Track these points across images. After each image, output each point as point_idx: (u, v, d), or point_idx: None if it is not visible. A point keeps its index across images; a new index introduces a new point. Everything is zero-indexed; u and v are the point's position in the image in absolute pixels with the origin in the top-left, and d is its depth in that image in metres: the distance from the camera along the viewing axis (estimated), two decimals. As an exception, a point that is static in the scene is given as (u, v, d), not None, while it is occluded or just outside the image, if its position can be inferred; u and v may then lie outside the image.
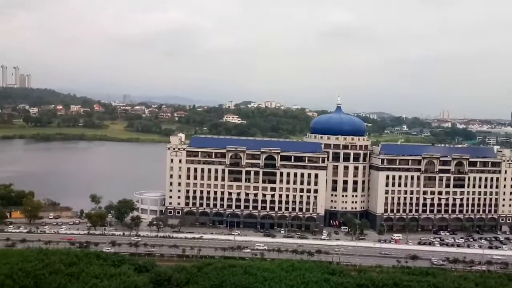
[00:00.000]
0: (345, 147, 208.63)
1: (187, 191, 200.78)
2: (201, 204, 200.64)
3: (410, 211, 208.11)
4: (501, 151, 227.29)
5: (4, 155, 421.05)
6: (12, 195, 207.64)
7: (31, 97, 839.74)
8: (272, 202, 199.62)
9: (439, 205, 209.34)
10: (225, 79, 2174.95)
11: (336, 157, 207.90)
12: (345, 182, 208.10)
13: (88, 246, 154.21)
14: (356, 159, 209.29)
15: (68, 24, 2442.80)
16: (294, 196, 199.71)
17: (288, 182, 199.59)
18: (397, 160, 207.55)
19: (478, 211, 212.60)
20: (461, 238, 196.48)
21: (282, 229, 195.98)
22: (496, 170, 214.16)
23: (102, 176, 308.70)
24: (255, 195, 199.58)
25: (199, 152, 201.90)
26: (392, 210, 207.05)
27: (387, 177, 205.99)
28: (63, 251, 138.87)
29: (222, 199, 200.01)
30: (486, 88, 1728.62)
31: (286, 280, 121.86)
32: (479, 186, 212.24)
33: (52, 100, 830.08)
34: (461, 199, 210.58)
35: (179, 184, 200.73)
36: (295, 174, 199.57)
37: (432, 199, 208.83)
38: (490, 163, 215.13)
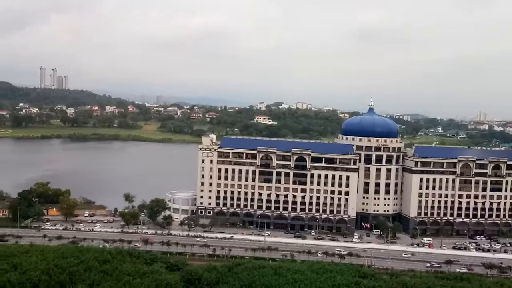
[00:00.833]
0: (378, 149, 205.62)
1: (218, 192, 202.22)
2: (231, 205, 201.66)
3: (445, 215, 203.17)
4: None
5: (42, 155, 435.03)
6: (49, 193, 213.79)
7: (68, 98, 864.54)
8: (303, 203, 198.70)
9: (475, 209, 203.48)
10: (257, 80, 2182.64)
11: (368, 159, 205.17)
12: (377, 185, 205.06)
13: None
14: (388, 161, 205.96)
15: (104, 27, 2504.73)
16: (325, 198, 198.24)
17: (319, 184, 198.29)
18: (432, 163, 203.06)
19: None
20: (498, 243, 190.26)
21: (313, 231, 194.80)
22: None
23: (135, 175, 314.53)
24: (286, 196, 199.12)
25: (230, 153, 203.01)
26: (426, 214, 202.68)
27: (421, 180, 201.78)
28: (98, 248, 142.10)
29: (252, 199, 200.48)
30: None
31: (317, 282, 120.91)
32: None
33: (88, 101, 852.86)
34: (498, 203, 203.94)
35: (210, 184, 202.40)
36: (326, 176, 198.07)
37: (468, 203, 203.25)
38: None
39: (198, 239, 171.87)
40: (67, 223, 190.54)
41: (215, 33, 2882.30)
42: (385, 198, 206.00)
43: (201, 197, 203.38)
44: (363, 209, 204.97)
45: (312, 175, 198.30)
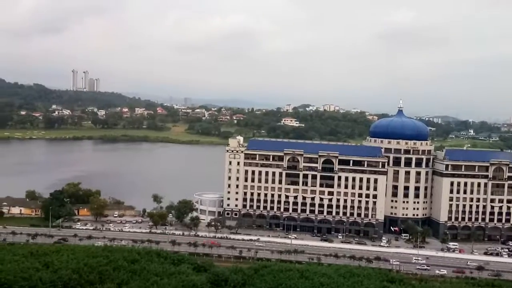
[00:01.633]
0: (407, 151, 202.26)
1: (245, 193, 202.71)
2: (258, 207, 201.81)
3: (476, 219, 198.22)
4: None
5: (74, 155, 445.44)
6: (80, 194, 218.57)
7: (99, 100, 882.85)
8: (330, 206, 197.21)
9: (508, 214, 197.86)
10: (284, 82, 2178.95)
11: (397, 162, 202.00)
12: (406, 188, 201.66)
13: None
14: (418, 164, 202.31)
15: (135, 30, 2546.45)
16: (352, 201, 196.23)
17: (346, 187, 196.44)
18: (463, 166, 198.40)
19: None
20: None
21: (340, 234, 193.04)
22: None
23: (163, 176, 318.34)
24: (312, 199, 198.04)
25: (257, 155, 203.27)
26: (456, 218, 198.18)
27: (452, 183, 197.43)
28: (126, 248, 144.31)
29: (279, 202, 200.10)
30: None
31: (344, 286, 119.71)
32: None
33: (118, 103, 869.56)
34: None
35: (237, 186, 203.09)
36: (354, 179, 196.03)
37: (500, 207, 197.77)
38: None
39: (224, 240, 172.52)
40: (97, 223, 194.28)
41: (243, 35, 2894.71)
42: (414, 202, 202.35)
43: (228, 198, 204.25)
44: (391, 213, 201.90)
45: (339, 178, 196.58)
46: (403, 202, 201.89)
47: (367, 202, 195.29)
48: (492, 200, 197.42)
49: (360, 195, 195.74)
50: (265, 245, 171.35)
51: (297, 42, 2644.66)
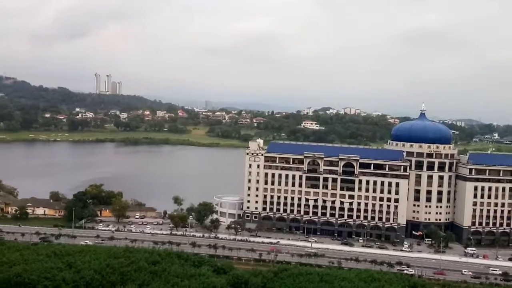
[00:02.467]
0: (429, 155, 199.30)
1: (265, 196, 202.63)
2: (278, 210, 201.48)
3: (501, 224, 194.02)
4: None
5: (97, 158, 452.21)
6: (102, 195, 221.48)
7: (121, 103, 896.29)
8: (350, 210, 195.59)
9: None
10: (305, 85, 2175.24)
11: (419, 166, 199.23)
12: (429, 192, 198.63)
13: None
14: (441, 168, 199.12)
15: (155, 34, 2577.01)
16: (373, 205, 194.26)
17: (367, 190, 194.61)
18: (487, 171, 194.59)
19: None
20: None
21: (361, 238, 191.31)
22: None
23: (184, 179, 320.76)
24: (333, 202, 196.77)
25: (277, 158, 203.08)
26: (480, 223, 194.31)
27: (476, 188, 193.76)
28: (147, 249, 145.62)
29: (299, 205, 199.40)
30: None
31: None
32: None
33: (140, 106, 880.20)
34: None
35: (257, 189, 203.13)
36: (375, 182, 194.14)
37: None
38: None
39: (244, 243, 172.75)
40: (119, 224, 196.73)
41: (263, 38, 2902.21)
42: (437, 206, 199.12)
43: (248, 201, 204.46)
44: (413, 217, 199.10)
45: (360, 181, 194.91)
46: (426, 206, 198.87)
47: (388, 206, 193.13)
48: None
49: (381, 199, 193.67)
50: (285, 248, 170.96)
51: (320, 45, 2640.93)
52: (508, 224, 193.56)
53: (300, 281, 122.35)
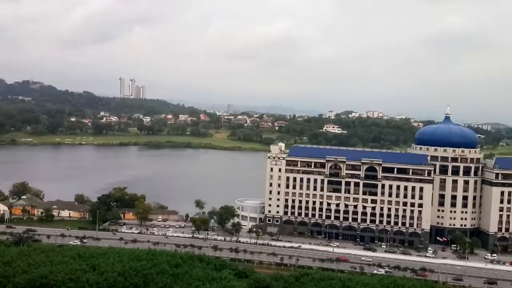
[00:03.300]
0: (454, 159, 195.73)
1: (286, 200, 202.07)
2: (299, 214, 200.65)
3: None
4: None
5: (121, 161, 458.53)
6: (126, 198, 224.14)
7: (144, 107, 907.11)
8: (373, 215, 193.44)
9: None
10: (326, 88, 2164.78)
11: (443, 170, 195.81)
12: (454, 197, 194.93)
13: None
14: (466, 172, 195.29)
15: (178, 39, 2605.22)
16: (396, 210, 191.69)
17: (390, 195, 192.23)
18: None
19: None
20: None
21: (383, 244, 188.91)
22: None
23: (206, 182, 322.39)
24: (355, 206, 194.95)
25: (299, 162, 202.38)
26: (507, 229, 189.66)
27: (502, 193, 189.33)
28: (170, 252, 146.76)
29: (321, 209, 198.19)
30: None
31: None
32: None
33: (163, 110, 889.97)
34: None
35: (278, 192, 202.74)
36: (398, 187, 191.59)
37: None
38: None
39: (265, 247, 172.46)
40: (142, 227, 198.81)
41: (284, 41, 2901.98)
42: (462, 212, 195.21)
43: (269, 205, 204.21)
44: (438, 223, 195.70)
45: (383, 186, 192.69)
46: (450, 211, 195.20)
47: (412, 211, 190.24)
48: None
49: (404, 204, 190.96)
50: (307, 252, 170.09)
51: (341, 49, 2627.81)
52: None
53: (321, 286, 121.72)
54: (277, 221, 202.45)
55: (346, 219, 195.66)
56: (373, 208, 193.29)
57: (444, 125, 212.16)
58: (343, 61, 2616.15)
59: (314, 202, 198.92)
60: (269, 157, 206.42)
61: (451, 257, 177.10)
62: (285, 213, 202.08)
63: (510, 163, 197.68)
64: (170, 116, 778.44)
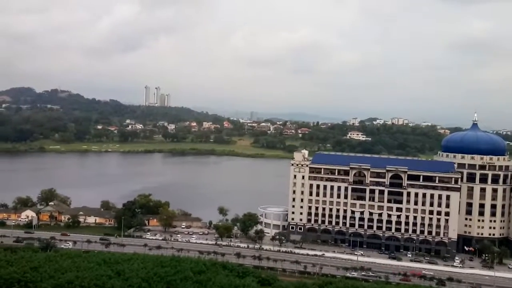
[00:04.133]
0: (482, 167, 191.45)
1: (309, 208, 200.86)
2: (323, 221, 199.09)
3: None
4: None
5: (145, 168, 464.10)
6: (150, 205, 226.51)
7: (169, 115, 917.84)
8: (398, 223, 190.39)
9: None
10: (351, 95, 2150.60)
11: (471, 178, 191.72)
12: (482, 206, 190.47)
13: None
14: (495, 180, 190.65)
15: (202, 47, 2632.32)
16: (422, 218, 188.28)
17: (416, 203, 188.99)
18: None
19: None
20: None
21: (409, 253, 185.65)
22: None
23: (229, 189, 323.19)
24: (380, 215, 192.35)
25: (322, 169, 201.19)
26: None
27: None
28: (193, 259, 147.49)
29: (344, 217, 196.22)
30: None
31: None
32: None
33: (187, 117, 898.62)
34: None
35: (302, 200, 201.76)
36: (424, 195, 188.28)
37: None
38: None
39: (289, 255, 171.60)
40: (166, 233, 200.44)
41: (311, 49, 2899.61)
42: (490, 221, 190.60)
43: (293, 212, 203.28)
44: (465, 232, 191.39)
45: (408, 194, 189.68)
46: (478, 220, 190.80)
47: (438, 220, 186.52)
48: None
49: (431, 212, 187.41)
50: (330, 260, 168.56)
51: (366, 55, 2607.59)
52: None
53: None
54: (300, 228, 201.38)
55: (370, 227, 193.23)
56: (398, 216, 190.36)
57: (472, 132, 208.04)
58: (367, 67, 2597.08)
59: (338, 210, 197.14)
60: (292, 165, 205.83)
61: (479, 267, 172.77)
62: (309, 220, 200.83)
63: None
64: (194, 124, 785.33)
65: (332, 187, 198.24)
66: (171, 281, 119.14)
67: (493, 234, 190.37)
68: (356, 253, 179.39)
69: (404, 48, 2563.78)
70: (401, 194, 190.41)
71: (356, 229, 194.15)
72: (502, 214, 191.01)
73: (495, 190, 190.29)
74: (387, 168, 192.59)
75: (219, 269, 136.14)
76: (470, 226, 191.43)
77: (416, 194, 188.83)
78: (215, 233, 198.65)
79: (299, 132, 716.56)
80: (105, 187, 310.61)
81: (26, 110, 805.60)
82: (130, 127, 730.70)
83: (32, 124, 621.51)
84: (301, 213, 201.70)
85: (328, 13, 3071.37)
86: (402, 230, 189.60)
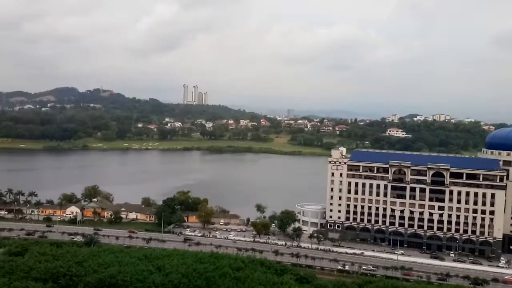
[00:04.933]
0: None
1: (348, 206, 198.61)
2: (362, 220, 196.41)
3: None
4: None
5: (184, 165, 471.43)
6: (189, 201, 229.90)
7: (207, 113, 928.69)
8: (440, 222, 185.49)
9: None
10: (390, 91, 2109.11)
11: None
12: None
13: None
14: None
15: (239, 45, 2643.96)
16: (465, 217, 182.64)
17: (459, 202, 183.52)
18: None
19: None
20: None
21: (452, 252, 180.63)
22: None
23: (266, 186, 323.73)
24: (421, 213, 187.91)
25: (360, 166, 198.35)
26: None
27: None
28: (232, 256, 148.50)
29: (384, 215, 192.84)
30: None
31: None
32: None
33: (224, 115, 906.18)
34: None
35: (340, 198, 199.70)
36: (467, 193, 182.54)
37: None
38: None
39: (327, 253, 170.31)
40: (205, 230, 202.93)
41: (346, 45, 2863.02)
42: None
43: (331, 210, 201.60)
44: (511, 231, 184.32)
45: (451, 192, 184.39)
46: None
47: (482, 219, 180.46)
48: None
49: (475, 211, 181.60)
50: (370, 259, 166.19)
51: (405, 50, 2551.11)
52: None
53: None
54: (338, 226, 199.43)
55: (411, 226, 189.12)
56: (441, 215, 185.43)
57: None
58: (406, 63, 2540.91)
59: (377, 208, 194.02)
60: (330, 162, 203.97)
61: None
62: (347, 218, 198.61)
63: None
64: (231, 121, 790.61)
65: (371, 185, 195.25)
66: (210, 277, 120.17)
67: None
68: (396, 252, 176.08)
69: (445, 42, 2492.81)
70: (443, 192, 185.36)
71: (396, 228, 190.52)
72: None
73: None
74: (429, 166, 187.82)
75: (257, 266, 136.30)
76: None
77: (459, 193, 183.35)
78: (252, 230, 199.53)
79: (337, 129, 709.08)
80: (145, 184, 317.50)
81: (70, 109, 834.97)
82: (169, 125, 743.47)
83: (75, 123, 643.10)
84: (339, 211, 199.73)
85: (365, 8, 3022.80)
86: (445, 229, 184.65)
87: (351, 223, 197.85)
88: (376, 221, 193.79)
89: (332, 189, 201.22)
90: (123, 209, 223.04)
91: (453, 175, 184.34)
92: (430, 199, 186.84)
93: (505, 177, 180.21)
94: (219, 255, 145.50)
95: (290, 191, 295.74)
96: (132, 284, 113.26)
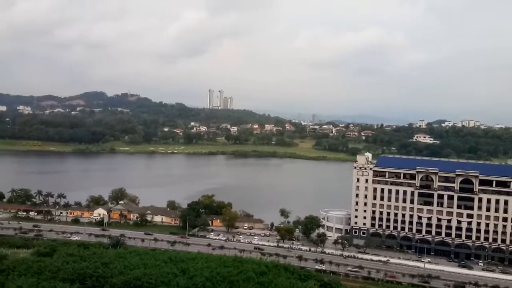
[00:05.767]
0: None
1: (373, 212, 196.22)
2: (387, 226, 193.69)
3: None
4: None
5: (209, 169, 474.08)
6: (213, 205, 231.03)
7: (232, 117, 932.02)
8: (469, 230, 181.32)
9: None
10: (417, 96, 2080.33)
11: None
12: None
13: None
14: None
15: (264, 50, 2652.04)
16: (495, 226, 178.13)
17: (488, 210, 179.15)
18: None
19: None
20: None
21: (481, 261, 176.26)
22: None
23: (291, 191, 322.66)
24: (449, 221, 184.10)
25: (387, 172, 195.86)
26: None
27: None
28: (255, 260, 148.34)
29: (410, 222, 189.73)
30: None
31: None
32: None
33: (249, 120, 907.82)
34: None
35: (365, 204, 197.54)
36: (497, 201, 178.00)
37: None
38: None
39: (352, 259, 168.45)
40: (229, 234, 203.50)
41: (372, 49, 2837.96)
42: None
43: (356, 216, 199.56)
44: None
45: (480, 200, 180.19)
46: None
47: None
48: None
49: (505, 219, 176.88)
50: (396, 267, 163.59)
51: (433, 54, 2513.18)
52: None
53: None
54: (363, 233, 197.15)
55: (438, 233, 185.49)
56: (469, 223, 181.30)
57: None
58: (434, 67, 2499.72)
59: (403, 215, 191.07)
60: (355, 168, 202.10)
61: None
62: (372, 225, 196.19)
63: None
64: (256, 126, 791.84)
65: (397, 191, 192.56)
66: (233, 281, 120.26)
67: None
68: (423, 260, 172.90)
69: (473, 46, 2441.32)
70: (472, 199, 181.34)
71: (423, 235, 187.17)
72: None
73: None
74: (457, 173, 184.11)
75: (281, 271, 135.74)
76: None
77: (489, 200, 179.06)
78: (276, 235, 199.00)
79: (362, 134, 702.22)
80: (171, 187, 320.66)
81: (98, 113, 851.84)
82: (194, 129, 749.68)
83: (103, 126, 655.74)
84: (364, 217, 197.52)
85: (393, 12, 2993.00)
86: (473, 238, 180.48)
87: (376, 229, 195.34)
88: (403, 228, 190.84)
89: (357, 195, 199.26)
90: (148, 212, 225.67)
91: (482, 182, 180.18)
92: (458, 207, 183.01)
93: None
94: (243, 259, 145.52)
95: (314, 197, 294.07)
96: (157, 286, 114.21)
